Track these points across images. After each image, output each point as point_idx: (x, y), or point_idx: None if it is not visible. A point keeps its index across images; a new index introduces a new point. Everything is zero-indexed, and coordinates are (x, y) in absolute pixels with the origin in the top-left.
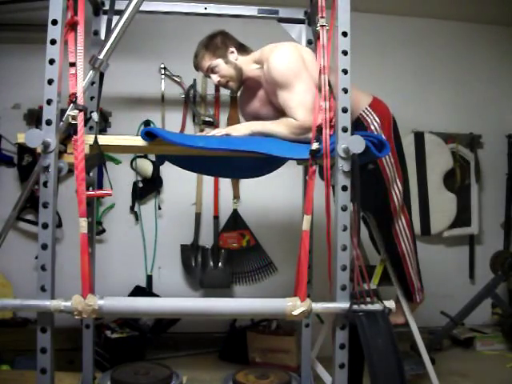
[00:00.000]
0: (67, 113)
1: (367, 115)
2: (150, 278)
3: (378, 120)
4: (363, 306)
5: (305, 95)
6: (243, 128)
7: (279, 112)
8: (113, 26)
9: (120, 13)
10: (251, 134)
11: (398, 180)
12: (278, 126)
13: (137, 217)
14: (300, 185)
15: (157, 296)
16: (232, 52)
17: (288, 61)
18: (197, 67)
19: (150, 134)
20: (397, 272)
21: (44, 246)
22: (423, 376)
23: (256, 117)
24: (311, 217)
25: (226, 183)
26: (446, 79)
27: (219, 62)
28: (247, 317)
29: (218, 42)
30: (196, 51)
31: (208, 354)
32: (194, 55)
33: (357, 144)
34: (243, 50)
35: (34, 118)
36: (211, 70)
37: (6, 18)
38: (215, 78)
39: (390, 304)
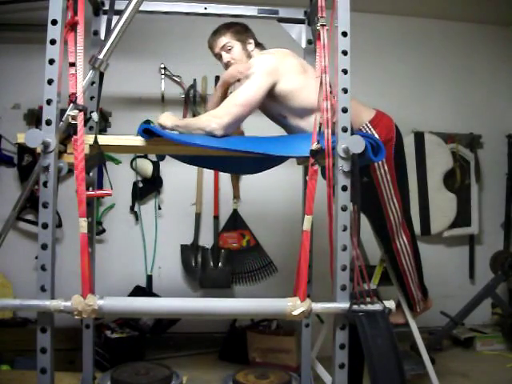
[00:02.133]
0: (67, 113)
1: (367, 132)
2: (150, 278)
3: (377, 137)
4: (363, 306)
5: (238, 95)
6: (165, 120)
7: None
8: (113, 25)
9: (120, 13)
10: (172, 126)
11: (395, 198)
12: (193, 118)
13: (137, 217)
14: (300, 185)
15: (157, 296)
16: (250, 43)
17: (255, 64)
18: (212, 43)
19: (147, 132)
20: (398, 282)
21: (44, 246)
22: (423, 376)
23: (267, 111)
24: (312, 217)
25: (225, 183)
26: (446, 79)
27: (237, 44)
28: (247, 317)
29: (240, 28)
30: (216, 28)
31: (208, 354)
32: (212, 32)
33: (357, 144)
34: (260, 46)
35: (34, 118)
36: (226, 49)
37: (6, 18)
38: (227, 57)
39: (390, 304)
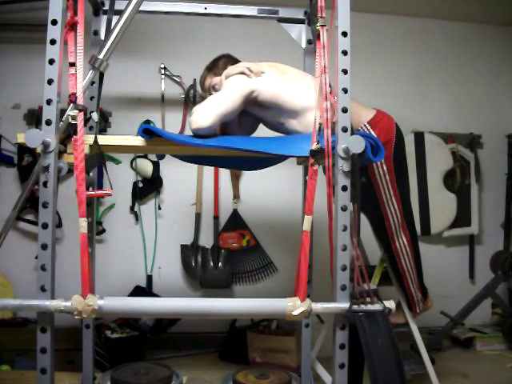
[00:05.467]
0: (67, 113)
1: (365, 132)
2: (150, 278)
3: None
4: (363, 306)
5: (217, 100)
6: None
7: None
8: (113, 25)
9: (120, 13)
10: None
11: (394, 199)
12: None
13: (137, 217)
14: (300, 184)
15: (157, 296)
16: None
17: (235, 76)
18: (202, 88)
19: (147, 132)
20: (398, 283)
21: (44, 246)
22: (423, 376)
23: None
24: (311, 217)
25: (226, 183)
26: (446, 79)
27: (217, 79)
28: (247, 317)
29: (220, 64)
30: (201, 74)
31: (208, 353)
32: (200, 77)
33: (357, 144)
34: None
35: (33, 118)
36: (212, 88)
37: (6, 18)
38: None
39: (390, 304)
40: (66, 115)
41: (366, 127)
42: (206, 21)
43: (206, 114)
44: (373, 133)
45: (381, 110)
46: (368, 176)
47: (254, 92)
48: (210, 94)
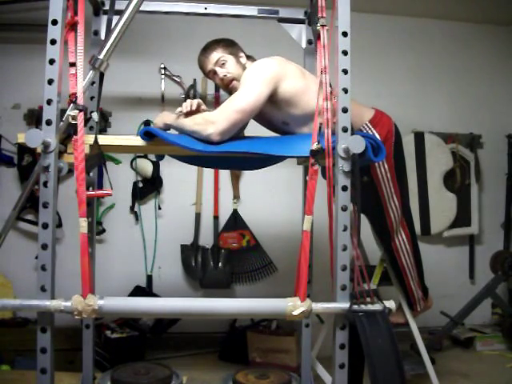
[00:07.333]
0: (67, 113)
1: (367, 131)
2: (150, 278)
3: (377, 136)
4: (363, 306)
5: (238, 108)
6: (158, 120)
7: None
8: (113, 26)
9: (120, 13)
10: (165, 126)
11: (395, 196)
12: (188, 119)
13: (137, 217)
14: (300, 185)
15: (157, 296)
16: (241, 56)
17: (254, 68)
18: (204, 60)
19: (148, 134)
20: (398, 281)
21: (44, 246)
22: (423, 376)
23: (267, 120)
24: (311, 217)
25: (225, 183)
26: (446, 79)
27: (230, 58)
28: (247, 317)
29: (230, 42)
30: (205, 46)
31: (208, 353)
32: (201, 50)
33: (357, 144)
34: (251, 59)
35: (33, 118)
36: (220, 64)
37: (6, 18)
38: (222, 72)
39: (390, 304)
40: (66, 115)
41: (368, 126)
42: (205, 21)
43: (227, 127)
44: (374, 131)
45: (378, 109)
46: (370, 175)
47: (275, 90)
48: (209, 74)
